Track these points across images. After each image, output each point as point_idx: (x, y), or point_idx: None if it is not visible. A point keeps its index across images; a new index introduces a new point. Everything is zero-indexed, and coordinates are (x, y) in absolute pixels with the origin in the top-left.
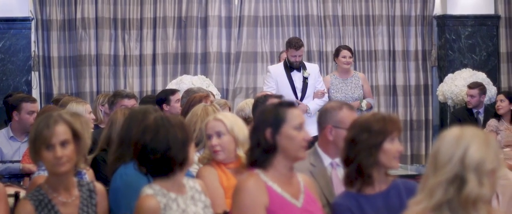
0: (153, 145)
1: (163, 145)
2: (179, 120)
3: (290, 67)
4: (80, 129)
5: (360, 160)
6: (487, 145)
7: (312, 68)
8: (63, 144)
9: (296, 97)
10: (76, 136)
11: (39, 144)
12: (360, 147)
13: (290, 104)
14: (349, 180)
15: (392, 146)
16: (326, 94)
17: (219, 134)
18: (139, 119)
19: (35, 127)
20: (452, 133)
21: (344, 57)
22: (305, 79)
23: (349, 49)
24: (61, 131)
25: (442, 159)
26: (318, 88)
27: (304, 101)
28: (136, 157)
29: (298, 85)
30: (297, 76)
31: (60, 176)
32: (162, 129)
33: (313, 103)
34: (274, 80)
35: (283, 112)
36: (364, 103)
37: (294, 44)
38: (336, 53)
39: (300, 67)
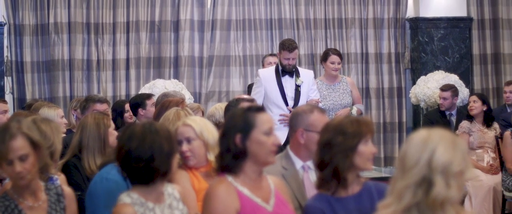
0: (138, 152)
1: (148, 154)
2: (166, 129)
3: (282, 72)
4: (39, 138)
5: (336, 163)
6: (454, 147)
7: (306, 75)
8: (22, 158)
9: (287, 105)
10: (35, 146)
11: None
12: (335, 150)
13: (259, 109)
14: (324, 184)
15: (367, 148)
16: (321, 104)
17: (188, 140)
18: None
19: None
20: (419, 135)
21: (333, 63)
22: (297, 87)
23: (338, 54)
24: (18, 146)
25: (409, 162)
26: (312, 97)
27: None
28: (119, 162)
29: (289, 93)
30: (288, 82)
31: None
32: (149, 137)
33: None
34: (263, 85)
35: (252, 117)
36: (354, 111)
37: (287, 45)
38: (324, 57)
39: (293, 72)
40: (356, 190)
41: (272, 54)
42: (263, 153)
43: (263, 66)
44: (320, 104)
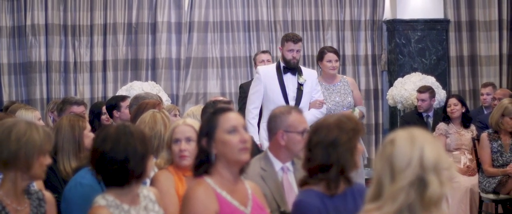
0: (112, 154)
1: (122, 155)
2: (141, 131)
3: (284, 69)
4: None
5: (343, 162)
6: (437, 144)
7: (309, 74)
8: None
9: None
10: None
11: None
12: (342, 149)
13: (224, 110)
14: (327, 184)
15: (360, 145)
16: (325, 106)
17: (188, 139)
18: None
19: (30, 137)
20: (403, 136)
21: (330, 61)
22: (299, 86)
23: (334, 51)
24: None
25: (400, 164)
26: (316, 98)
27: None
28: (93, 164)
29: (291, 92)
30: (290, 81)
31: (26, 183)
32: (123, 139)
33: (309, 114)
34: (263, 83)
35: (215, 118)
36: (356, 113)
37: (291, 37)
38: (320, 56)
39: (295, 70)
40: (342, 189)
41: (264, 51)
42: (230, 152)
43: (255, 65)
44: (324, 106)
